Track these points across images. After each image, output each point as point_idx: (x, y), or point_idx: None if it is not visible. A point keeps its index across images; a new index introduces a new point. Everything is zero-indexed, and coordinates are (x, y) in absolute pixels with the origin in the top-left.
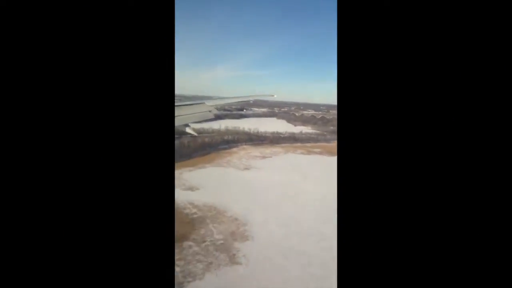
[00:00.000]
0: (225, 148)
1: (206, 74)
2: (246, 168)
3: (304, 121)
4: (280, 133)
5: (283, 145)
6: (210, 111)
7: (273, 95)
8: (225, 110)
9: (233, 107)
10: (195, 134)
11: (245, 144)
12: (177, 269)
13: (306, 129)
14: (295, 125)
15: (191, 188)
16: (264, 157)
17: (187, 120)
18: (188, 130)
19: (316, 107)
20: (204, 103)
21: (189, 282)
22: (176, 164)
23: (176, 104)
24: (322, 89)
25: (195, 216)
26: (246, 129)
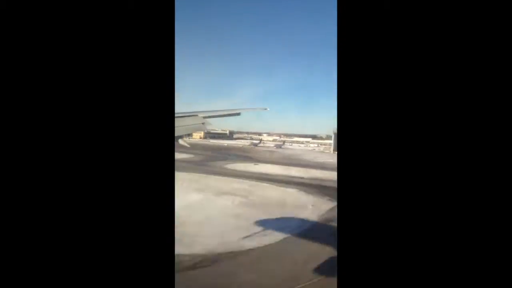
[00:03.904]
0: None
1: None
2: None
3: None
4: None
5: None
6: (203, 123)
7: (266, 108)
8: None
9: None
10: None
11: None
12: None
13: None
14: None
15: None
16: None
17: (180, 132)
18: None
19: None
20: (197, 115)
21: None
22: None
23: None
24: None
25: None
26: None
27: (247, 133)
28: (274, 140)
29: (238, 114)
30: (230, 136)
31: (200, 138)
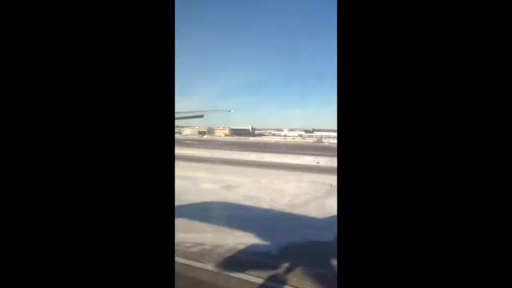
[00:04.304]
0: None
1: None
2: None
3: None
4: None
5: None
6: None
7: (230, 110)
8: None
9: None
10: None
11: None
12: None
13: None
14: None
15: None
16: None
17: None
18: None
19: None
20: None
21: None
22: None
23: None
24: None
25: None
26: None
27: (265, 129)
28: (301, 136)
29: (202, 116)
30: (252, 132)
31: (226, 135)
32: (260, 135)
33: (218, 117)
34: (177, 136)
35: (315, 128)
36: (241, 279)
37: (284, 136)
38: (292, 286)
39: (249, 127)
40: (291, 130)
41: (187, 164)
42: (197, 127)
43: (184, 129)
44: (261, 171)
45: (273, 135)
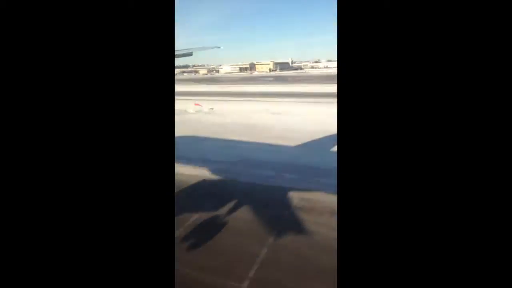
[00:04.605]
0: None
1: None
2: None
3: None
4: None
5: None
6: None
7: (219, 47)
8: None
9: None
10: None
11: None
12: None
13: None
14: None
15: None
16: None
17: None
18: None
19: None
20: None
21: None
22: None
23: None
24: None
25: None
26: None
27: (303, 62)
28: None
29: (190, 54)
30: (291, 66)
31: (270, 70)
32: (298, 68)
33: (208, 53)
34: (225, 75)
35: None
36: None
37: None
38: None
39: (289, 60)
40: (329, 61)
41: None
42: (237, 64)
43: (222, 67)
44: None
45: (312, 67)
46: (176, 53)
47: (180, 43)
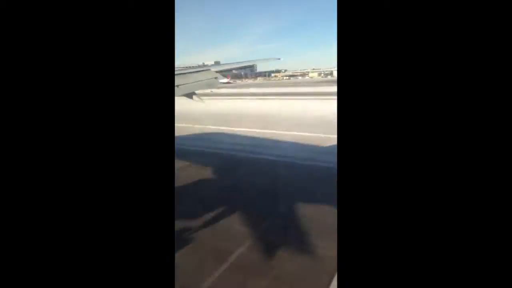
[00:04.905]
0: None
1: (216, 53)
2: None
3: None
4: None
5: None
6: (216, 78)
7: (279, 58)
8: None
9: None
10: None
11: None
12: None
13: None
14: None
15: None
16: None
17: (193, 88)
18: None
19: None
20: (209, 69)
21: None
22: None
23: (181, 72)
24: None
25: None
26: None
27: None
28: None
29: (252, 66)
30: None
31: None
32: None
33: (267, 65)
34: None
35: None
36: None
37: None
38: None
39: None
40: None
41: None
42: (321, 70)
43: (309, 73)
44: None
45: None
46: (239, 65)
47: (238, 52)
